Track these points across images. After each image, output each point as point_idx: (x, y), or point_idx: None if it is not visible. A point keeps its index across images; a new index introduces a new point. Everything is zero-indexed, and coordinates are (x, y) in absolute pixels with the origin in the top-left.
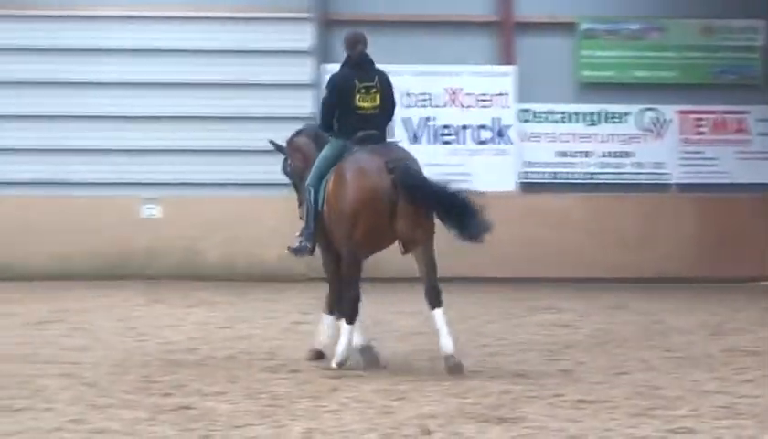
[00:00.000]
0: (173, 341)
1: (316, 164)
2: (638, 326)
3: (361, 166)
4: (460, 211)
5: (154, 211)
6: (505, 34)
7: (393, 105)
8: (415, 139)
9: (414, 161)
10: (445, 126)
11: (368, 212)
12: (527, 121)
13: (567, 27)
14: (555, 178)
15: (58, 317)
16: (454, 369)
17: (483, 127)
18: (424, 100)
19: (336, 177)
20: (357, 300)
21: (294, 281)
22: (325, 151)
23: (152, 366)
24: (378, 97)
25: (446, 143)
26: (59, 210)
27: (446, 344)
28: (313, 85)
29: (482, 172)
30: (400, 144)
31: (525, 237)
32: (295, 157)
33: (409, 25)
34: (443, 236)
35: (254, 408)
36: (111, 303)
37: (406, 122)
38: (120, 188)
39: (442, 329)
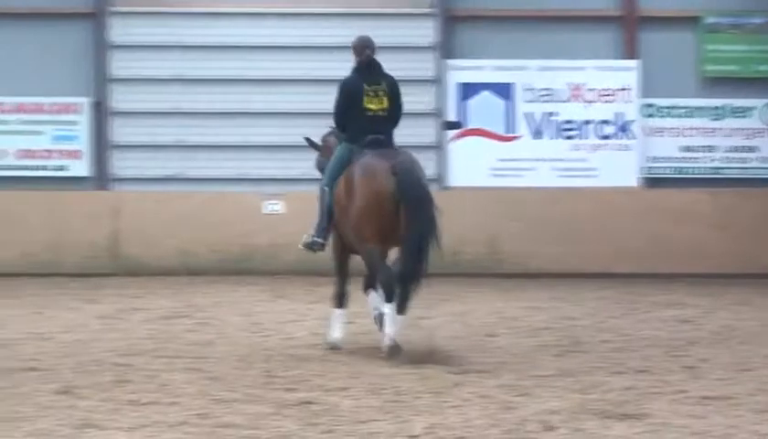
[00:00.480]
0: (296, 336)
1: (330, 165)
2: (763, 323)
3: (369, 170)
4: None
5: (277, 207)
6: (628, 28)
7: (400, 108)
8: (537, 134)
9: (418, 166)
10: (568, 121)
11: (375, 213)
12: (650, 116)
13: (690, 22)
14: (678, 173)
15: (183, 313)
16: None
17: (606, 122)
18: (547, 95)
19: (345, 179)
20: (391, 279)
21: None
22: (337, 153)
23: (275, 361)
24: (385, 99)
25: (569, 138)
26: (183, 206)
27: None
28: (435, 81)
29: (604, 167)
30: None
31: (648, 232)
32: (326, 154)
33: (531, 20)
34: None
35: (377, 403)
36: (235, 298)
37: (528, 117)
38: (242, 184)
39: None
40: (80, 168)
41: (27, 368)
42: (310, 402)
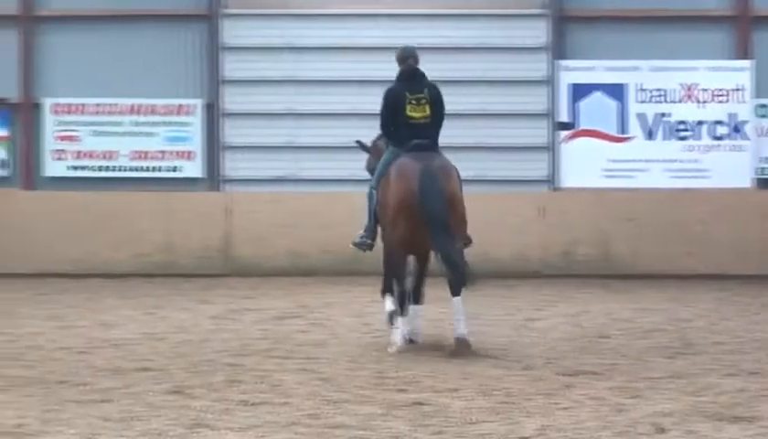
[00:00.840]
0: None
1: (378, 168)
2: None
3: (401, 171)
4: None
5: None
6: (741, 28)
7: (442, 114)
8: (650, 135)
9: (446, 170)
10: (681, 122)
11: (405, 214)
12: (763, 116)
13: None
14: None
15: (295, 313)
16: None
17: (719, 123)
18: (659, 95)
19: (385, 181)
20: (404, 295)
21: (527, 277)
22: (384, 156)
23: (386, 362)
24: (427, 107)
25: (681, 139)
26: (294, 207)
27: (462, 325)
28: (547, 82)
29: (717, 168)
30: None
31: (761, 233)
32: (375, 157)
33: (643, 20)
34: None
35: (487, 405)
36: (346, 299)
37: (640, 117)
38: (354, 185)
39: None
40: (193, 169)
41: (140, 368)
42: (421, 403)
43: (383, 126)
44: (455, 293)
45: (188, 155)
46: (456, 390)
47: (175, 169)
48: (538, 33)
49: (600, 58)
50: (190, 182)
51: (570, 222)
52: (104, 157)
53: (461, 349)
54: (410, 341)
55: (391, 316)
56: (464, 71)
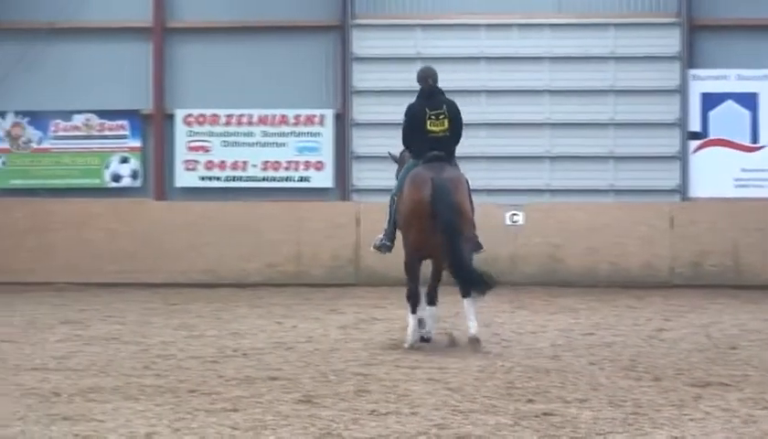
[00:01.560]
0: (535, 347)
1: (399, 177)
2: None
3: (415, 180)
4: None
5: (518, 218)
6: None
7: (460, 128)
8: None
9: (454, 181)
10: None
11: (416, 220)
12: None
13: None
14: None
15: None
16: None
17: None
18: None
19: (402, 189)
20: (415, 295)
21: (657, 287)
22: (406, 166)
23: (514, 372)
24: (446, 122)
25: None
26: None
27: (473, 326)
28: (679, 91)
29: None
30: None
31: None
32: (402, 167)
33: None
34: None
35: (617, 416)
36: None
37: None
38: (486, 195)
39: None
40: (323, 179)
41: (270, 377)
42: (549, 414)
43: (404, 139)
44: (465, 295)
45: (318, 166)
46: (585, 401)
47: (305, 179)
48: (670, 42)
49: (731, 67)
50: (320, 192)
51: (700, 232)
52: (235, 167)
53: (474, 347)
54: (424, 340)
55: (420, 320)
56: (594, 81)
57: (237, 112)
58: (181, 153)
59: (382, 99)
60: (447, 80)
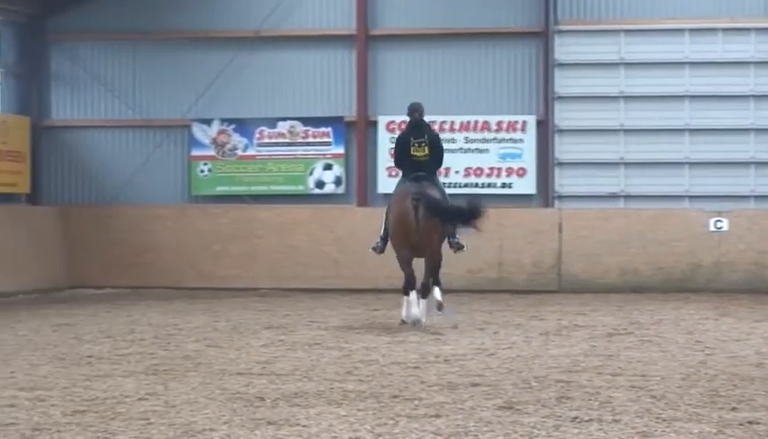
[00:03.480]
0: (740, 355)
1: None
2: None
3: (399, 196)
4: (455, 215)
5: (722, 225)
6: None
7: (439, 153)
8: None
9: (435, 189)
10: None
11: (399, 227)
12: None
13: None
14: None
15: (626, 330)
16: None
17: None
18: None
19: (390, 202)
20: (407, 282)
21: None
22: (397, 183)
23: (718, 380)
24: (426, 148)
25: None
26: (625, 224)
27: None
28: None
29: None
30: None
31: None
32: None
33: None
34: None
35: None
36: (678, 316)
37: None
38: (686, 201)
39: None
40: (526, 186)
41: (472, 383)
42: (754, 422)
43: (395, 162)
44: (423, 296)
45: (521, 172)
46: None
47: (507, 186)
48: None
49: None
50: (522, 198)
51: None
52: (437, 174)
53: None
54: (415, 323)
55: (439, 306)
56: None
57: (439, 118)
58: (384, 159)
59: (585, 105)
60: (649, 85)
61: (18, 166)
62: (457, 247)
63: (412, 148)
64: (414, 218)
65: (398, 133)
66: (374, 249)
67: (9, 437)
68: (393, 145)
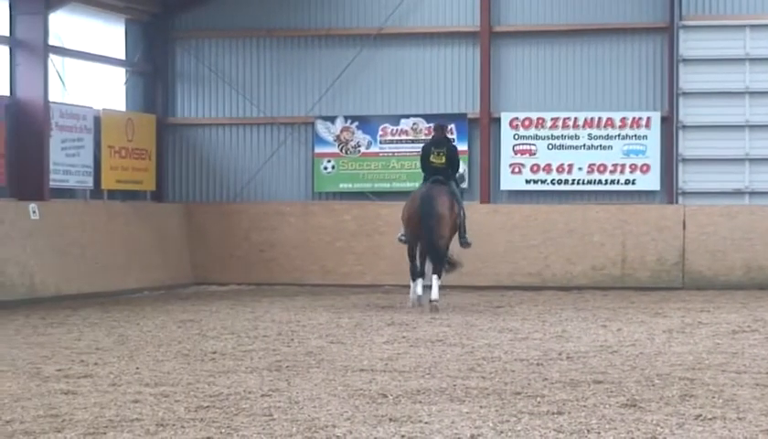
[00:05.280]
0: None
1: None
2: None
3: (412, 196)
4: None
5: None
6: None
7: (455, 162)
8: None
9: (440, 196)
10: None
11: (411, 221)
12: None
13: None
14: None
15: (751, 327)
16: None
17: None
18: None
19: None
20: (413, 271)
21: None
22: (419, 185)
23: None
24: (443, 157)
25: None
26: (750, 220)
27: (434, 293)
28: None
29: None
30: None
31: None
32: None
33: None
34: None
35: None
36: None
37: None
38: None
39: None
40: (649, 182)
41: (594, 380)
42: None
43: (421, 167)
44: (435, 272)
45: (644, 168)
46: None
47: (630, 182)
48: None
49: None
50: (646, 195)
51: None
52: (560, 171)
53: (433, 309)
54: (418, 304)
55: (418, 297)
56: None
57: (562, 115)
58: (507, 156)
59: (709, 100)
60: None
61: (144, 164)
62: (465, 244)
63: (432, 155)
64: (419, 213)
65: (521, 130)
66: (400, 239)
67: (134, 432)
68: (515, 142)
